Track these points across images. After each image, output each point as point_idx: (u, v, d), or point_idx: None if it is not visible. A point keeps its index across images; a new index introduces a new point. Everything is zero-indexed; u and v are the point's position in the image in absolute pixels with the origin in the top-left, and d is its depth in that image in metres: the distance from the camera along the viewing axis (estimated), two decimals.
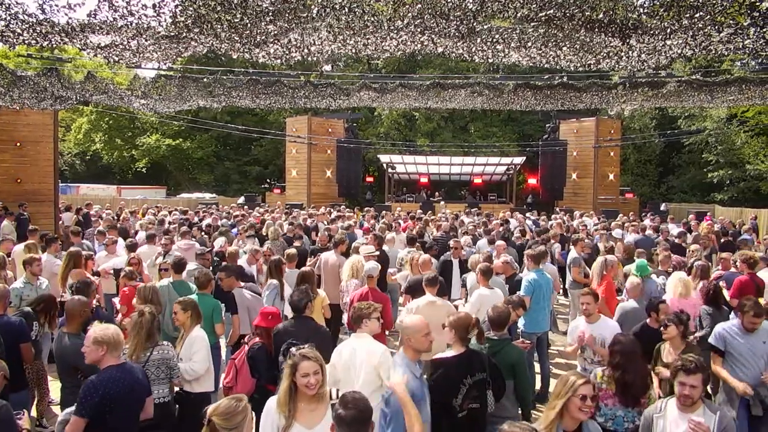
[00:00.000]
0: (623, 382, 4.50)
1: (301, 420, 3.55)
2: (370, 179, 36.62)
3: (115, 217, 17.23)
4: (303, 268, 7.89)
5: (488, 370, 4.55)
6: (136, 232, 13.79)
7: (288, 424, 3.53)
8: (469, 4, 6.51)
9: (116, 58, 8.50)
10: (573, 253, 10.57)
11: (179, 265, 7.67)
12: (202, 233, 13.64)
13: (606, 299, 7.65)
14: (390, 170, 33.43)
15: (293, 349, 3.74)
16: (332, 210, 20.69)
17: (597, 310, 6.09)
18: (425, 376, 4.41)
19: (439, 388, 4.31)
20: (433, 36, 7.74)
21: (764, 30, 7.06)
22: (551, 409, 3.49)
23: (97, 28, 7.05)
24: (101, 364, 4.13)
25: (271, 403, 3.69)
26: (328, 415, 3.53)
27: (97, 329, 4.20)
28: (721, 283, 8.36)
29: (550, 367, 8.32)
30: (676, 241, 12.95)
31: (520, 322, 7.68)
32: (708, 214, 22.98)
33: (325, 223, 15.88)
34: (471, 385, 4.37)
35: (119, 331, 4.29)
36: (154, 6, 6.30)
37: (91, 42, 7.71)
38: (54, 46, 7.78)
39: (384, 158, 32.73)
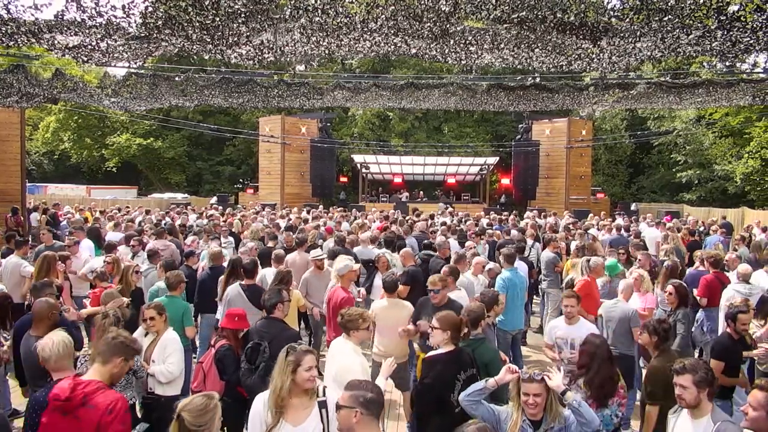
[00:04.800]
0: (595, 384, 4.56)
1: (288, 417, 3.57)
2: (344, 179, 36.56)
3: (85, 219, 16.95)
4: (280, 268, 7.90)
5: (476, 367, 4.68)
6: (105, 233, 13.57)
7: (276, 422, 3.56)
8: (442, 6, 6.53)
9: (85, 59, 8.36)
10: (548, 253, 10.67)
11: (170, 266, 7.61)
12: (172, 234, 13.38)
13: (584, 300, 7.68)
14: (364, 170, 33.41)
15: (294, 345, 3.78)
16: (305, 210, 20.59)
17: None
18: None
19: (437, 385, 4.40)
20: (406, 37, 7.74)
21: (731, 33, 7.21)
22: (513, 398, 3.87)
23: (65, 28, 6.92)
24: (53, 377, 3.97)
25: (258, 402, 3.72)
26: (314, 411, 3.59)
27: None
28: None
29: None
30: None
31: (497, 319, 7.75)
32: (674, 213, 23.42)
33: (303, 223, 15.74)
34: (464, 381, 4.46)
35: (64, 340, 4.05)
36: (123, 7, 6.20)
37: (58, 43, 7.56)
38: (20, 46, 7.63)
39: (358, 158, 32.71)
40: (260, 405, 3.69)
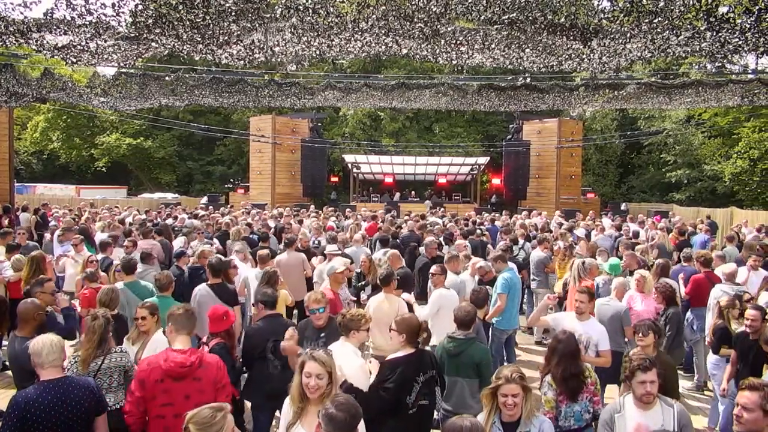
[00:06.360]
0: (557, 380, 4.57)
1: (305, 422, 3.54)
2: (335, 179, 36.50)
3: (76, 218, 16.80)
4: (266, 268, 7.90)
5: (436, 368, 4.68)
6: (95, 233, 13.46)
7: (293, 421, 3.56)
8: (433, 7, 6.54)
9: (74, 60, 8.30)
10: (539, 253, 10.69)
11: (129, 267, 7.55)
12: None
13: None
14: (355, 170, 33.38)
15: (308, 349, 3.76)
16: (296, 210, 20.56)
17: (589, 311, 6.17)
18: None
19: (396, 388, 4.35)
20: (397, 38, 7.75)
21: (720, 34, 7.26)
22: (485, 397, 3.88)
23: (54, 27, 6.86)
24: (39, 378, 3.90)
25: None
26: None
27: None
28: (680, 275, 8.64)
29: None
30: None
31: (494, 319, 7.80)
32: (661, 212, 23.55)
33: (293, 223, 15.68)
34: (423, 383, 4.46)
35: (52, 340, 3.99)
36: (113, 5, 6.16)
37: (47, 42, 7.50)
38: (8, 46, 7.57)
39: (349, 158, 32.66)
40: (289, 399, 3.71)
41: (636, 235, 13.87)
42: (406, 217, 17.13)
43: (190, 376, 4.09)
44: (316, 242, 12.11)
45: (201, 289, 7.27)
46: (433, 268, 7.54)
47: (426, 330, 4.75)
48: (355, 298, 8.74)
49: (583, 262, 8.26)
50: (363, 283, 8.96)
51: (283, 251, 9.97)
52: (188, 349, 4.22)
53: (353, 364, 4.57)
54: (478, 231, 13.35)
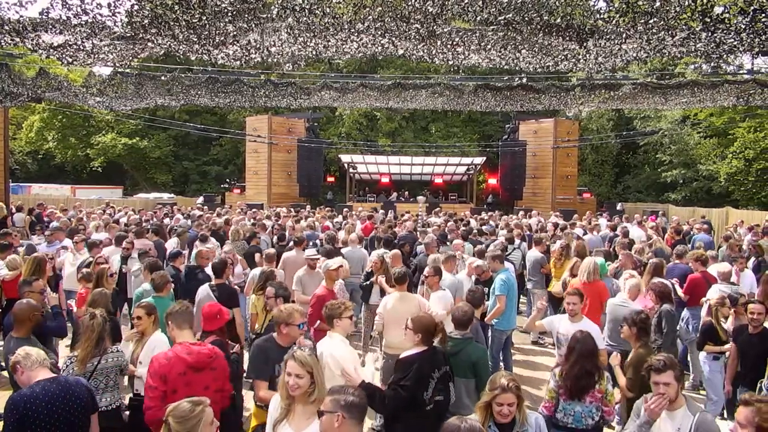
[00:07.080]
0: (570, 376, 4.60)
1: (292, 421, 3.54)
2: (331, 179, 36.42)
3: (72, 219, 16.74)
4: (263, 268, 7.90)
5: (449, 364, 4.75)
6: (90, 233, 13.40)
7: (280, 418, 3.56)
8: (429, 7, 6.54)
9: (70, 60, 8.27)
10: (536, 253, 10.70)
11: (155, 267, 7.57)
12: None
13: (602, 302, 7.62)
14: (351, 170, 33.34)
15: (294, 347, 3.83)
16: (292, 210, 20.55)
17: (583, 311, 6.19)
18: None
19: (413, 385, 4.39)
20: (393, 38, 7.75)
21: (715, 34, 7.28)
22: (480, 409, 3.82)
23: (50, 26, 6.84)
24: (30, 383, 3.88)
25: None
26: (316, 423, 3.41)
27: (12, 357, 4.02)
28: (674, 280, 8.62)
29: (513, 364, 8.49)
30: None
31: (494, 320, 7.83)
32: (661, 212, 23.60)
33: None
34: (438, 379, 4.51)
35: (32, 346, 4.05)
36: (109, 5, 6.15)
37: (43, 42, 7.48)
38: (3, 46, 7.54)
39: (345, 158, 32.63)
40: (278, 396, 3.71)
41: (626, 234, 13.88)
42: (405, 216, 17.13)
43: (209, 366, 4.28)
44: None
45: (201, 290, 7.32)
46: (427, 270, 7.54)
47: (442, 330, 4.79)
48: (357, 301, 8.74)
49: (595, 261, 8.27)
50: (369, 283, 8.95)
51: (290, 250, 9.98)
52: (199, 342, 4.44)
53: (343, 353, 4.60)
54: (483, 229, 13.36)
